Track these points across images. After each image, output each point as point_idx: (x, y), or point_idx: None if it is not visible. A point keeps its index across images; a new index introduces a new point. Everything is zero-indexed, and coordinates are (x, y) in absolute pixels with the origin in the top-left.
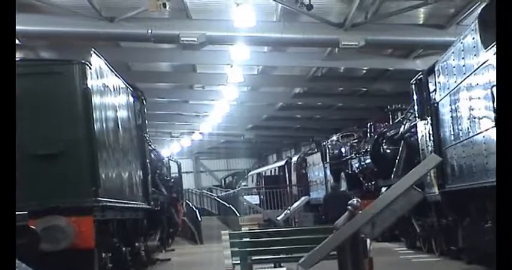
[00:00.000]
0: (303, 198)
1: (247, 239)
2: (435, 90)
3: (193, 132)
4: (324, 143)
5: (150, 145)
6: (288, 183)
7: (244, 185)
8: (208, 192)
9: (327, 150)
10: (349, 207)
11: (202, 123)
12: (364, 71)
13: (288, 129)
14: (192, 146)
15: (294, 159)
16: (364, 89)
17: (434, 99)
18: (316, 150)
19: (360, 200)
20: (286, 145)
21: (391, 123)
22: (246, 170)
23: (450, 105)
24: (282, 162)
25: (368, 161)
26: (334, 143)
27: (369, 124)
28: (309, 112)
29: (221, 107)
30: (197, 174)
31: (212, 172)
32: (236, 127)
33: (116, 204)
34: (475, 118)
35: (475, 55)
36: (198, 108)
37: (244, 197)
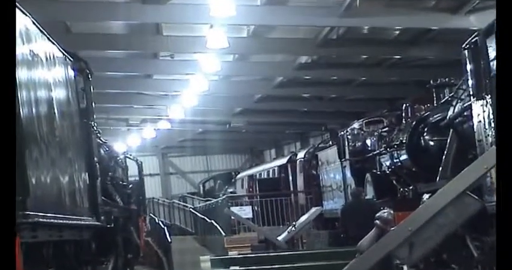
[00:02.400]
0: (313, 209)
1: (236, 268)
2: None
3: (159, 119)
4: (342, 133)
5: (99, 137)
6: (292, 188)
7: (231, 192)
8: (181, 203)
9: (346, 143)
10: (378, 221)
11: (171, 107)
12: (397, 32)
13: (292, 114)
14: (157, 138)
15: (300, 155)
16: (397, 57)
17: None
18: (330, 142)
19: (392, 212)
20: (289, 136)
21: (435, 104)
22: (233, 172)
23: None
24: (284, 160)
25: (404, 157)
26: (355, 132)
27: (404, 106)
28: (320, 89)
29: (198, 83)
30: (165, 177)
31: (186, 174)
32: (219, 112)
33: (52, 221)
34: None
35: None
36: (166, 86)
37: (231, 208)
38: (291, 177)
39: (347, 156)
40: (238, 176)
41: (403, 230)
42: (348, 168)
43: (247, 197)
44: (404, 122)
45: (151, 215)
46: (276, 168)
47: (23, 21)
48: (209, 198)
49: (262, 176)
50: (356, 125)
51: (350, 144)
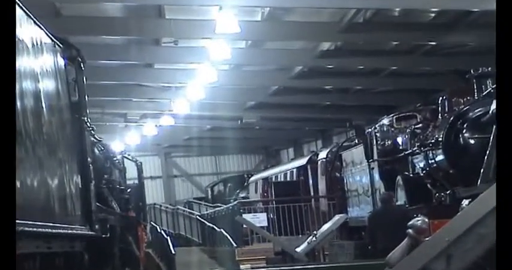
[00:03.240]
0: (336, 217)
1: None
2: None
3: (161, 115)
4: (369, 130)
5: (93, 135)
6: (312, 193)
7: (244, 198)
8: (187, 209)
9: (374, 142)
10: (410, 230)
11: (175, 100)
12: (433, 15)
13: (312, 109)
14: (159, 135)
15: (322, 155)
16: (433, 44)
17: None
18: (356, 141)
19: (426, 220)
20: (309, 134)
21: (475, 97)
22: (245, 174)
23: None
24: (303, 161)
25: (440, 157)
26: (385, 129)
27: (440, 99)
28: (344, 80)
29: (205, 73)
30: (168, 180)
31: (192, 177)
32: (229, 106)
33: (40, 230)
34: None
35: None
36: (169, 76)
37: (244, 216)
38: (311, 181)
39: (375, 157)
40: (252, 179)
41: (439, 240)
42: (377, 170)
43: (262, 202)
44: (440, 117)
45: (152, 223)
46: (294, 170)
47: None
48: (218, 204)
49: (279, 179)
50: (385, 120)
51: (379, 142)
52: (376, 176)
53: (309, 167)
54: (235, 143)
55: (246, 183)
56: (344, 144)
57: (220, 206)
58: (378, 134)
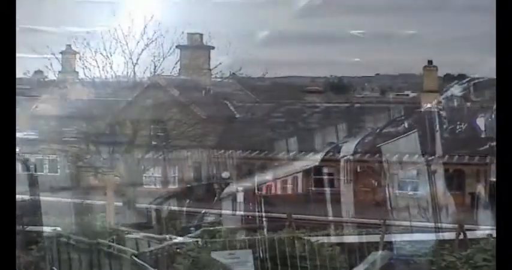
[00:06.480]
0: (374, 255)
1: None
2: None
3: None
4: (429, 105)
5: None
6: (330, 213)
7: (212, 223)
8: (114, 245)
9: (437, 125)
10: None
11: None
12: None
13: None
14: (68, 108)
15: (347, 149)
16: None
17: None
18: (404, 123)
19: None
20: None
21: None
22: (215, 182)
23: None
24: (316, 159)
25: None
26: (455, 104)
27: None
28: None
29: None
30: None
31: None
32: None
33: None
34: None
35: None
36: None
37: (213, 254)
38: (329, 191)
39: (439, 151)
40: (227, 189)
41: None
42: (442, 173)
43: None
44: None
45: (54, 269)
46: (299, 174)
47: None
48: (170, 236)
49: (274, 191)
50: (456, 89)
51: (445, 127)
52: (440, 184)
53: (324, 169)
54: (195, 129)
55: (216, 198)
56: (384, 130)
57: (174, 238)
58: (442, 113)
